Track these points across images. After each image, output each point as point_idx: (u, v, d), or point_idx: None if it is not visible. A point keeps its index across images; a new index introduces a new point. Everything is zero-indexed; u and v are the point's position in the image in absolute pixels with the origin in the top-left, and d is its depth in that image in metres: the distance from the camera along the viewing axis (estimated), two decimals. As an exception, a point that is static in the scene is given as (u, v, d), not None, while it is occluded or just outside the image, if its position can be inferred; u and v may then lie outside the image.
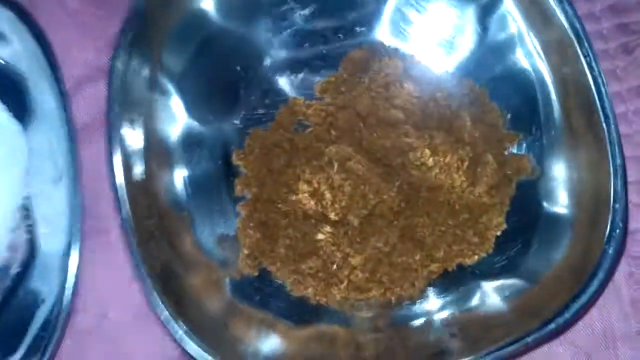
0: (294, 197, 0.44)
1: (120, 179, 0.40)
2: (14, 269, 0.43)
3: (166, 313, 0.38)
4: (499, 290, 0.42)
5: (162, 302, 0.38)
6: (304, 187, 0.43)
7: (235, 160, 0.45)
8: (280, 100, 0.46)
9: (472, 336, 0.41)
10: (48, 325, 0.41)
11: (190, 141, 0.45)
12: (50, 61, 0.42)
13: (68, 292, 0.40)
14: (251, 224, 0.44)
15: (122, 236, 0.42)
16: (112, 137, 0.40)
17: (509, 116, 0.45)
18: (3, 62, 0.45)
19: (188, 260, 0.42)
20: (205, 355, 0.38)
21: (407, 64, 0.46)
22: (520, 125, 0.45)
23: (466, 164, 0.43)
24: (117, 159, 0.40)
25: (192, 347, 0.38)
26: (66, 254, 0.42)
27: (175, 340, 0.38)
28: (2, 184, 0.43)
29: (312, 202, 0.43)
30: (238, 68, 0.46)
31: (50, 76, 0.42)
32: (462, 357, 0.39)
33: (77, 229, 0.41)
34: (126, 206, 0.40)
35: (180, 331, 0.38)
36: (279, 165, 0.45)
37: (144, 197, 0.41)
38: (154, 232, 0.41)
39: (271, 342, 0.41)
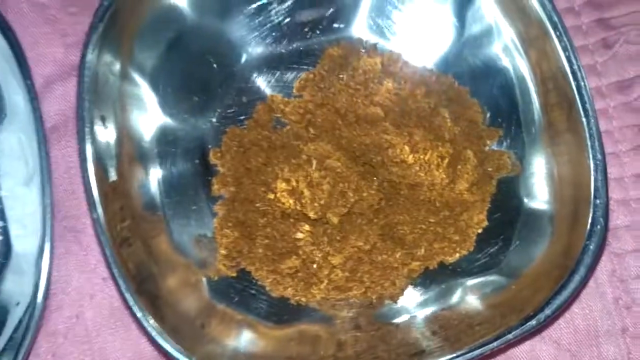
0: (272, 196, 0.43)
1: (92, 178, 0.39)
2: (-13, 272, 0.42)
3: (141, 313, 0.37)
4: (480, 287, 0.42)
5: (137, 302, 0.38)
6: (282, 185, 0.43)
7: (212, 159, 0.45)
8: (257, 98, 0.46)
9: (453, 334, 0.40)
10: (20, 327, 0.40)
11: (164, 139, 0.44)
12: (18, 59, 0.41)
13: (41, 293, 0.39)
14: (229, 224, 0.43)
15: (95, 236, 0.41)
16: (82, 135, 0.39)
17: (489, 113, 0.45)
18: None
19: (164, 261, 0.42)
20: (181, 355, 0.37)
21: (385, 61, 0.45)
22: (500, 121, 0.44)
23: (446, 161, 0.43)
24: (89, 157, 0.39)
25: (168, 348, 0.37)
26: (39, 255, 0.41)
27: (151, 341, 0.37)
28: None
29: (291, 201, 0.43)
30: (214, 65, 0.45)
31: (18, 74, 0.41)
32: (444, 355, 0.38)
33: (48, 229, 0.40)
34: (98, 206, 0.39)
35: (155, 331, 0.37)
36: (256, 164, 0.44)
37: (117, 197, 0.41)
38: (127, 232, 0.40)
39: (250, 343, 0.41)
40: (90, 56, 0.40)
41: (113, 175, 0.41)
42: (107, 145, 0.41)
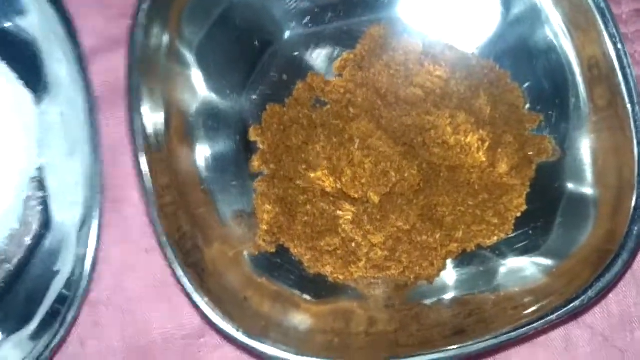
0: (312, 174, 0.43)
1: (140, 147, 0.39)
2: (27, 241, 0.43)
3: (190, 285, 0.37)
4: (519, 271, 0.42)
5: (185, 273, 0.38)
6: (324, 163, 0.43)
7: (252, 136, 0.45)
8: (298, 76, 0.45)
9: (489, 316, 0.41)
10: (65, 297, 0.40)
11: (208, 115, 0.44)
12: (68, 27, 0.41)
13: (88, 264, 0.39)
14: (270, 200, 0.44)
15: (142, 206, 0.42)
16: (133, 105, 0.39)
17: (530, 98, 0.45)
18: (15, 30, 0.44)
19: (208, 234, 0.42)
20: (229, 326, 0.38)
21: (427, 42, 0.45)
22: (543, 106, 0.44)
23: (487, 144, 0.43)
24: (138, 128, 0.39)
25: (216, 318, 0.38)
26: (82, 226, 0.41)
27: (198, 311, 0.37)
28: (14, 154, 0.42)
29: (331, 179, 0.43)
30: (256, 42, 0.45)
31: (67, 44, 0.41)
32: (483, 335, 0.39)
33: (96, 200, 0.40)
34: (147, 177, 0.39)
35: (204, 302, 0.38)
36: (297, 142, 0.44)
37: (164, 169, 0.41)
38: (173, 203, 0.40)
39: (292, 317, 0.41)
40: (139, 27, 0.40)
41: (160, 146, 0.41)
42: (154, 117, 0.41)
